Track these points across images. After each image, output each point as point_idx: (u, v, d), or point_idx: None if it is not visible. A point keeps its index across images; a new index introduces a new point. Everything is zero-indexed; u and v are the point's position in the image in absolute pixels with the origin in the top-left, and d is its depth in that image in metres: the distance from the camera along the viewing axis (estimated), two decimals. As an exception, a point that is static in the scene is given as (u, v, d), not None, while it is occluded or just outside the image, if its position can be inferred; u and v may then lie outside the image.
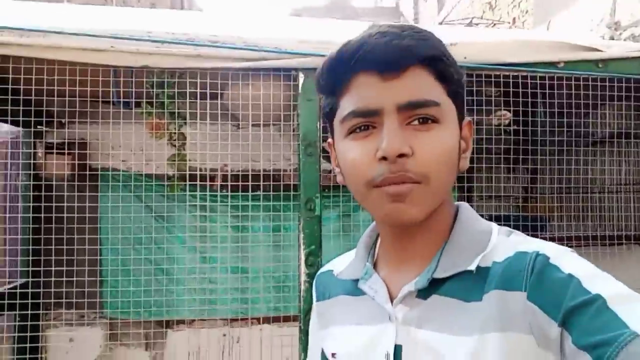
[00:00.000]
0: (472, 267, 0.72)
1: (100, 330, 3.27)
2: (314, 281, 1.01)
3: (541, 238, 0.76)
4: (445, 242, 0.78)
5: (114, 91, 1.78)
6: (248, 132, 2.71)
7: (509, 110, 2.00)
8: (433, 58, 0.71)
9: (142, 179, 3.26)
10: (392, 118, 0.70)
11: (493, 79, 1.83)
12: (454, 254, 0.75)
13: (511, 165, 2.73)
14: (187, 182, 2.51)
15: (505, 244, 0.74)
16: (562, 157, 2.33)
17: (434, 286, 0.74)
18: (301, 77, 1.74)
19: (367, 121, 0.72)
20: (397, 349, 0.75)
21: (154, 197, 3.27)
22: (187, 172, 2.53)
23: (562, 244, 0.74)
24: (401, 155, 0.68)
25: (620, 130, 2.62)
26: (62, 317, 3.19)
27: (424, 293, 0.75)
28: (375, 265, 0.86)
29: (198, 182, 3.17)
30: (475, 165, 2.39)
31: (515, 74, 1.81)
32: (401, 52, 0.69)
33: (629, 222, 2.84)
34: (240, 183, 2.57)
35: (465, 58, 1.75)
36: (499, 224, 0.82)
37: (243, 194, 3.19)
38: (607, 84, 1.87)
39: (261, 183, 2.69)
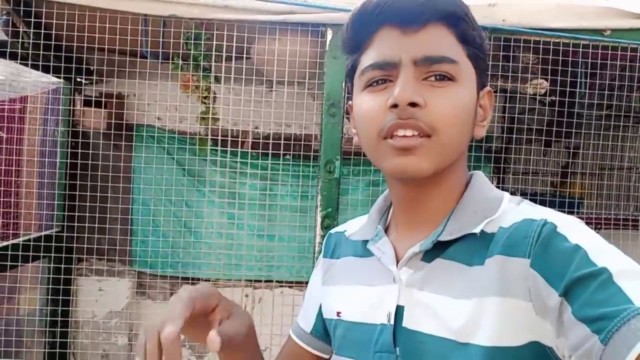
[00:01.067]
0: (477, 230, 0.72)
1: (128, 282, 3.38)
2: (325, 238, 1.01)
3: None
4: (455, 207, 0.77)
5: (143, 41, 1.78)
6: (280, 92, 2.69)
7: (547, 80, 1.90)
8: (454, 16, 0.71)
9: (174, 137, 3.30)
10: (407, 70, 0.70)
11: (532, 45, 1.73)
12: (461, 218, 0.75)
13: (550, 139, 2.61)
14: (219, 137, 2.49)
15: (514, 210, 0.73)
16: (602, 133, 2.21)
17: (439, 249, 0.74)
18: (329, 34, 1.70)
19: (384, 74, 0.72)
20: (399, 310, 0.75)
21: (186, 155, 3.32)
22: (219, 127, 2.53)
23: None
24: (413, 105, 0.68)
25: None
26: (93, 266, 3.30)
27: (428, 256, 0.75)
28: (386, 230, 0.86)
29: (229, 144, 3.18)
30: (508, 140, 2.30)
31: (557, 40, 1.71)
32: (422, 6, 0.70)
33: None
34: (270, 148, 2.56)
35: (503, 21, 1.66)
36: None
37: (273, 157, 3.19)
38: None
39: (291, 146, 2.66)
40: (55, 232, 3.01)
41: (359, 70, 0.76)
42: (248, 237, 3.25)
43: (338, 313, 0.87)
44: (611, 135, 2.22)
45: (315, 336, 0.95)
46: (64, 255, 2.91)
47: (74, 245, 3.02)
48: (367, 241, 0.85)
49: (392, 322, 0.75)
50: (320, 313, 0.94)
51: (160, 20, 1.75)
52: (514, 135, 2.29)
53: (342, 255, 0.93)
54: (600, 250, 0.61)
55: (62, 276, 2.84)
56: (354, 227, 0.95)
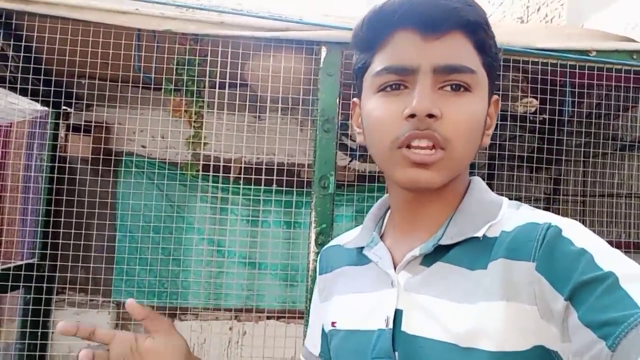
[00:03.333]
0: (479, 234, 0.71)
1: (107, 314, 3.26)
2: (319, 256, 0.99)
3: None
4: (455, 211, 0.76)
5: (136, 56, 1.78)
6: (268, 120, 2.70)
7: (536, 99, 1.94)
8: (476, 25, 0.70)
9: (159, 164, 3.26)
10: (426, 78, 0.68)
11: (521, 65, 1.77)
12: (462, 222, 0.74)
13: (539, 165, 2.65)
14: (202, 162, 2.47)
15: (515, 214, 0.72)
16: (590, 160, 2.25)
17: (439, 253, 0.73)
18: (323, 51, 1.72)
19: (400, 79, 0.71)
20: (398, 314, 0.73)
21: (172, 184, 3.27)
22: (202, 153, 2.51)
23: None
24: (430, 116, 0.67)
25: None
26: (72, 298, 3.18)
27: (428, 260, 0.74)
28: (382, 237, 0.85)
29: (212, 170, 3.14)
30: (492, 166, 2.31)
31: (545, 60, 1.76)
32: (446, 13, 0.68)
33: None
34: (256, 176, 2.54)
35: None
36: None
37: (259, 186, 3.17)
38: (641, 77, 1.80)
39: (277, 175, 2.64)
40: (35, 260, 2.90)
41: (371, 70, 0.74)
42: (233, 265, 3.18)
43: (333, 323, 0.85)
44: (599, 162, 2.27)
45: (324, 359, 0.93)
46: (38, 284, 2.79)
47: (54, 274, 2.91)
48: (363, 248, 0.83)
49: (390, 326, 0.73)
50: (324, 333, 0.92)
51: (154, 35, 1.75)
52: (496, 162, 2.31)
53: (336, 267, 0.91)
54: (605, 254, 0.60)
55: (40, 307, 2.72)
56: (347, 237, 0.93)
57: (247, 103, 2.09)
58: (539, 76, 1.79)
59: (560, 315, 0.59)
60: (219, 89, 2.16)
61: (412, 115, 0.67)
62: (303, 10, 1.71)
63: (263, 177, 2.52)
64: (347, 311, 0.83)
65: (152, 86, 2.33)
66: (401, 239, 0.80)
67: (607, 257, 0.59)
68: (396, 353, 0.72)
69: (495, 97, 0.79)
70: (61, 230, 2.68)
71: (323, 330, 0.92)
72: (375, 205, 0.91)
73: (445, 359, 0.67)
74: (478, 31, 0.71)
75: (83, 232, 2.67)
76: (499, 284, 0.65)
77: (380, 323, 0.74)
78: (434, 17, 0.68)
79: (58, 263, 2.67)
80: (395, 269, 0.77)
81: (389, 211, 0.88)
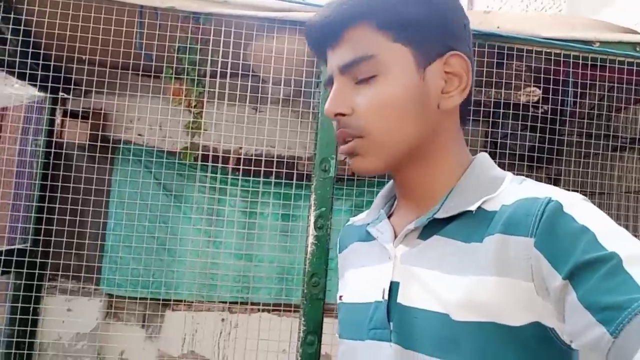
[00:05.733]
0: (473, 207, 0.71)
1: (98, 303, 3.21)
2: (339, 236, 1.03)
3: None
4: (454, 186, 0.77)
5: (138, 33, 1.76)
6: (267, 112, 2.68)
7: (539, 88, 1.93)
8: (366, 11, 0.73)
9: (156, 153, 3.23)
10: (337, 81, 0.75)
11: (525, 54, 1.77)
12: (459, 197, 0.74)
13: (537, 164, 2.64)
14: (200, 152, 2.45)
15: (516, 188, 0.72)
16: (589, 160, 2.24)
17: (436, 227, 0.74)
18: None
19: (332, 87, 0.77)
20: (394, 286, 0.75)
21: (167, 174, 3.24)
22: (201, 143, 2.49)
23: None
24: (342, 115, 0.73)
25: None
26: (62, 284, 3.13)
27: (425, 234, 0.75)
28: (390, 216, 0.87)
29: (211, 160, 3.12)
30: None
31: (548, 50, 1.75)
32: (330, 23, 0.74)
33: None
34: (254, 168, 2.52)
35: (498, 27, 1.70)
36: None
37: (256, 177, 3.15)
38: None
39: (276, 167, 2.62)
40: (27, 246, 2.86)
41: None
42: (227, 257, 3.15)
43: (340, 297, 0.88)
44: (598, 159, 2.26)
45: None
46: (29, 270, 2.75)
47: (43, 261, 2.86)
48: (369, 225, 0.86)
49: (386, 297, 0.74)
50: None
51: (156, 13, 1.73)
52: (497, 160, 2.29)
53: (349, 243, 0.94)
54: (609, 232, 0.59)
55: (31, 293, 2.68)
56: (360, 216, 0.97)
57: (248, 93, 2.07)
58: (542, 65, 1.78)
59: (556, 294, 0.58)
60: (219, 78, 2.14)
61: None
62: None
63: (262, 168, 2.50)
64: (351, 285, 0.86)
65: (152, 71, 2.31)
66: (404, 216, 0.81)
67: (611, 236, 0.58)
68: (391, 324, 0.72)
69: (450, 53, 0.74)
70: (55, 217, 2.64)
71: None
72: (385, 186, 0.93)
73: (439, 329, 0.67)
74: (373, 13, 0.72)
75: (77, 219, 2.63)
76: (493, 259, 0.65)
77: (377, 295, 0.76)
78: (325, 33, 0.76)
79: (51, 250, 2.61)
80: (394, 243, 0.78)
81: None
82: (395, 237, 0.79)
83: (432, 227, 0.74)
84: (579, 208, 0.62)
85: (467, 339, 0.64)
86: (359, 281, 0.84)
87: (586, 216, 0.61)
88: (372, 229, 0.84)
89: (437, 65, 0.74)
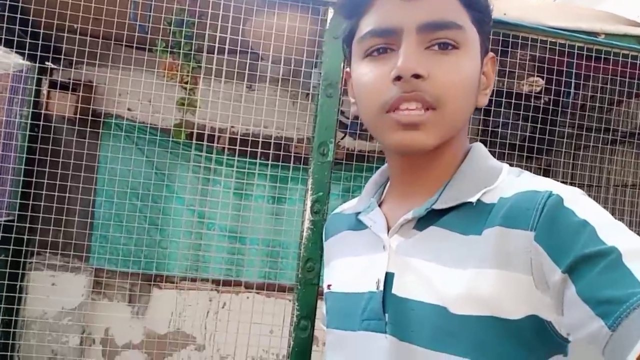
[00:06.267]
0: (473, 199, 0.70)
1: (84, 278, 3.18)
2: (325, 224, 1.01)
3: None
4: (452, 176, 0.75)
5: (132, 4, 1.69)
6: (260, 91, 2.63)
7: (542, 78, 1.92)
8: None
9: (148, 131, 3.17)
10: (411, 38, 0.67)
11: (530, 42, 1.74)
12: (458, 187, 0.73)
13: (530, 155, 2.64)
14: (195, 130, 2.40)
15: (515, 181, 0.71)
16: (584, 153, 2.24)
17: (433, 218, 0.72)
18: (330, 12, 1.66)
19: (385, 42, 0.70)
20: (389, 277, 0.73)
21: (158, 151, 3.18)
22: (196, 120, 2.44)
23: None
24: (417, 77, 0.66)
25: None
26: (47, 260, 3.08)
27: (421, 225, 0.74)
28: (381, 205, 0.85)
29: (205, 140, 3.07)
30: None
31: (553, 40, 1.73)
32: None
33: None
34: (247, 148, 2.47)
35: (504, 14, 1.67)
36: None
37: (248, 158, 3.11)
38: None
39: (271, 147, 2.58)
40: (9, 220, 2.79)
41: (357, 36, 0.74)
42: (217, 237, 3.13)
43: (329, 286, 0.86)
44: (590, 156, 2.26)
45: None
46: (15, 246, 2.69)
47: (28, 237, 2.80)
48: (359, 214, 0.84)
49: (381, 288, 0.73)
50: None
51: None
52: (494, 149, 2.29)
53: (337, 232, 0.92)
54: (609, 227, 0.58)
55: (17, 269, 2.63)
56: (349, 204, 0.95)
57: (246, 71, 2.02)
58: (547, 55, 1.77)
59: (556, 287, 0.58)
60: (216, 53, 2.09)
61: (399, 78, 0.66)
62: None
63: (256, 149, 2.46)
64: (341, 274, 0.84)
65: (147, 44, 2.24)
66: (398, 205, 0.79)
67: (611, 231, 0.58)
68: (386, 315, 0.71)
69: (491, 54, 0.77)
70: (43, 192, 2.57)
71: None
72: (377, 172, 0.91)
73: (435, 321, 0.66)
74: None
75: (57, 194, 2.56)
76: (492, 252, 0.64)
77: (371, 285, 0.74)
78: None
79: (37, 225, 2.56)
80: (388, 233, 0.76)
81: (389, 179, 0.87)
82: (389, 226, 0.78)
83: (429, 218, 0.72)
84: (580, 202, 0.62)
85: (465, 332, 0.64)
86: (349, 271, 0.82)
87: (586, 210, 0.60)
88: (364, 218, 0.82)
89: (484, 61, 0.75)
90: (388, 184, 0.88)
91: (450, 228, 0.70)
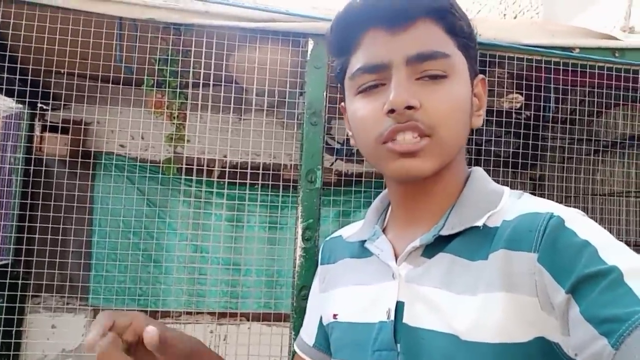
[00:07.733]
0: (480, 223, 0.70)
1: (84, 318, 3.15)
2: (322, 246, 1.00)
3: None
4: (455, 201, 0.75)
5: (117, 46, 1.73)
6: (250, 121, 2.66)
7: (522, 95, 1.95)
8: (442, 9, 0.71)
9: (138, 165, 3.19)
10: (400, 71, 0.69)
11: (507, 61, 1.78)
12: (463, 212, 0.73)
13: (516, 170, 2.66)
14: (185, 165, 2.42)
15: (516, 203, 0.72)
16: (571, 164, 2.26)
17: (440, 244, 0.72)
18: (310, 44, 1.69)
19: (376, 78, 0.71)
20: (399, 306, 0.72)
21: (150, 185, 3.20)
22: (185, 156, 2.46)
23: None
24: (410, 108, 0.67)
25: (633, 133, 2.55)
26: (46, 302, 3.06)
27: (429, 252, 0.73)
28: (384, 231, 0.85)
29: (196, 172, 3.09)
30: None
31: (530, 57, 1.77)
32: (408, 3, 0.69)
33: (630, 227, 2.74)
34: (238, 177, 2.49)
35: (480, 35, 1.70)
36: None
37: (241, 187, 3.12)
38: (622, 74, 1.82)
39: (260, 176, 2.60)
40: (7, 264, 2.78)
41: (349, 73, 0.75)
42: (215, 269, 3.12)
43: (334, 315, 0.85)
44: (574, 167, 2.28)
45: (318, 349, 0.93)
46: (10, 292, 2.68)
47: (29, 277, 2.79)
48: (365, 242, 0.83)
49: (392, 318, 0.72)
50: (321, 324, 0.92)
51: (135, 25, 1.70)
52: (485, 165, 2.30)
53: (339, 259, 0.91)
54: (610, 247, 0.59)
55: (14, 310, 2.61)
56: (350, 230, 0.93)
57: (232, 104, 2.05)
58: (524, 72, 1.80)
59: (560, 308, 0.58)
60: (202, 87, 2.12)
61: (392, 111, 0.67)
62: (290, 1, 1.70)
63: (247, 180, 2.48)
64: (348, 303, 0.82)
65: (133, 82, 2.27)
66: (403, 232, 0.79)
67: (612, 250, 0.58)
68: (398, 345, 0.70)
69: (480, 76, 0.79)
70: (36, 236, 2.57)
71: (320, 321, 0.91)
72: (377, 199, 0.91)
73: (447, 350, 0.65)
74: (446, 15, 0.71)
75: (60, 238, 2.57)
76: (499, 275, 0.64)
77: (381, 315, 0.73)
78: (397, 10, 0.69)
79: (33, 268, 2.55)
80: (396, 261, 0.76)
81: (391, 205, 0.87)
82: (396, 254, 0.77)
83: (436, 245, 0.72)
84: (580, 223, 0.62)
85: (476, 359, 0.63)
86: (357, 300, 0.81)
87: (587, 231, 0.61)
88: (371, 246, 0.81)
89: (474, 83, 0.77)
90: (389, 210, 0.88)
91: (458, 254, 0.70)
